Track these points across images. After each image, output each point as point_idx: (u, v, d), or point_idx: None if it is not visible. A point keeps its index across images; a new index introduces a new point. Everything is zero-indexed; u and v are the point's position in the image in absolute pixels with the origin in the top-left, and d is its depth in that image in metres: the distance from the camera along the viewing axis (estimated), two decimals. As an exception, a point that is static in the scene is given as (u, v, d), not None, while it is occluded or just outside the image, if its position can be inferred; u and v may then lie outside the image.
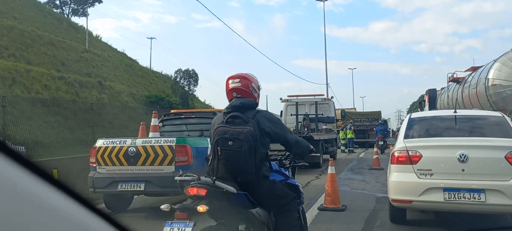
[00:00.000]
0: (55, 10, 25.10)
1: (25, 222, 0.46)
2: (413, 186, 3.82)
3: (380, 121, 22.51)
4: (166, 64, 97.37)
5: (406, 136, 4.24)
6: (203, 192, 2.18)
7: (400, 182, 3.92)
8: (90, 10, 26.89)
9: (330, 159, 5.40)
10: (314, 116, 13.12)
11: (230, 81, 2.56)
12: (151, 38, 34.94)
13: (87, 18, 23.24)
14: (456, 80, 15.63)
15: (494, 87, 10.94)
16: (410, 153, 3.90)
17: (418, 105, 26.43)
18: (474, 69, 13.92)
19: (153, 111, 6.32)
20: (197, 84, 26.71)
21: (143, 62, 33.63)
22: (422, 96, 21.37)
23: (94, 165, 4.76)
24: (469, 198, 3.73)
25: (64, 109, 11.46)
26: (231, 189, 2.23)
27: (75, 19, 25.23)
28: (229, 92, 2.55)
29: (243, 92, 2.50)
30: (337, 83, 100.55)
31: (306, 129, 12.60)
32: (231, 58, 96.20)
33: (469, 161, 3.75)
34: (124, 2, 77.46)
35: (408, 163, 3.89)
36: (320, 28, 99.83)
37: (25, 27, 16.75)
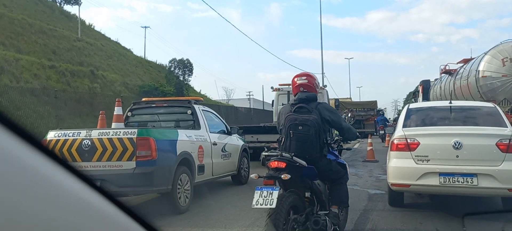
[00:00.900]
0: (47, -1, 24.61)
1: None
2: (411, 171, 4.12)
3: (380, 112, 22.57)
4: (161, 54, 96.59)
5: (405, 125, 4.55)
6: (283, 164, 2.85)
7: (399, 167, 4.21)
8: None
9: None
10: None
11: (297, 79, 3.24)
12: (145, 27, 34.44)
13: (79, 6, 22.75)
14: (449, 72, 15.97)
15: (484, 79, 11.31)
16: (408, 141, 4.18)
17: (412, 96, 26.46)
18: (465, 61, 14.24)
19: (117, 99, 5.76)
20: (192, 74, 26.58)
21: (138, 51, 33.26)
22: (417, 87, 21.37)
23: None
24: (462, 182, 4.01)
25: (54, 99, 11.27)
26: (304, 163, 2.88)
27: (67, 7, 24.75)
28: (296, 87, 3.21)
29: (308, 88, 3.19)
30: (334, 74, 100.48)
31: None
32: (227, 48, 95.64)
33: (463, 148, 4.04)
34: (119, -9, 76.27)
35: (407, 150, 4.17)
36: (317, 18, 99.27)
37: (15, 15, 16.41)
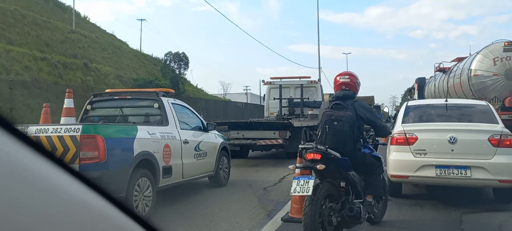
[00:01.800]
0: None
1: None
2: (409, 164, 4.41)
3: (381, 108, 22.30)
4: (159, 47, 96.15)
5: (404, 121, 4.86)
6: (318, 156, 3.06)
7: (398, 160, 4.49)
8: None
9: (298, 154, 4.49)
10: (299, 100, 12.13)
11: (340, 77, 3.49)
12: (141, 20, 34.17)
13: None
14: (443, 70, 16.21)
15: (476, 77, 11.55)
16: (407, 135, 4.46)
17: (408, 93, 26.44)
18: (459, 60, 14.49)
19: (67, 90, 5.13)
20: (188, 67, 26.46)
21: (135, 45, 33.08)
22: (414, 84, 21.41)
23: None
24: (457, 173, 4.36)
25: (45, 92, 11.23)
26: (338, 155, 3.11)
27: (63, -1, 24.56)
28: (339, 85, 3.46)
29: (350, 86, 3.45)
30: (332, 68, 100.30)
31: (285, 114, 11.62)
32: (226, 42, 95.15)
33: (458, 142, 4.37)
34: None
35: (406, 144, 4.47)
36: (316, 14, 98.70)
37: (8, 6, 16.27)
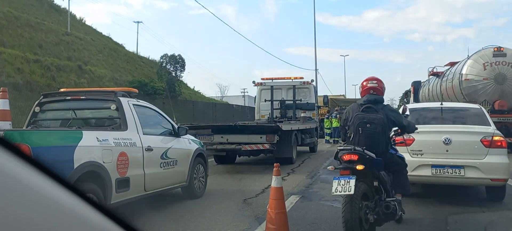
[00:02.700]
0: (37, -9, 24.37)
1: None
2: (407, 163, 4.57)
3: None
4: (156, 50, 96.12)
5: None
6: (355, 157, 3.23)
7: None
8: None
9: (276, 164, 3.82)
10: (292, 101, 11.44)
11: (368, 82, 3.70)
12: (138, 22, 34.25)
13: (69, 1, 22.55)
14: (436, 74, 16.55)
15: (467, 82, 11.89)
16: (404, 137, 4.59)
17: (404, 96, 26.57)
18: (452, 64, 14.82)
19: (1, 89, 4.58)
20: (184, 70, 26.45)
21: (131, 47, 33.12)
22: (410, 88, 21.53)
23: None
24: (451, 172, 4.65)
25: (37, 94, 11.18)
26: (373, 155, 3.29)
27: (59, 1, 24.58)
28: (367, 90, 3.66)
29: (377, 90, 3.66)
30: (330, 71, 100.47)
31: (277, 117, 11.00)
32: (223, 45, 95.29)
33: (452, 143, 4.66)
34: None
35: (403, 145, 4.68)
36: (313, 16, 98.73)
37: (0, 8, 16.27)
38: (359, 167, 3.21)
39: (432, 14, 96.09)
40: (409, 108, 5.51)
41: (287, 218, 3.53)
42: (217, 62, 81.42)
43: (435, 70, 17.38)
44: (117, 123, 4.16)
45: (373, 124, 3.41)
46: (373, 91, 3.66)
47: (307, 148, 11.70)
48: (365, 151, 3.27)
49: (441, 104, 5.35)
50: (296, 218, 4.15)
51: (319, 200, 5.10)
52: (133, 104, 4.37)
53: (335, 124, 17.56)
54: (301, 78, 12.31)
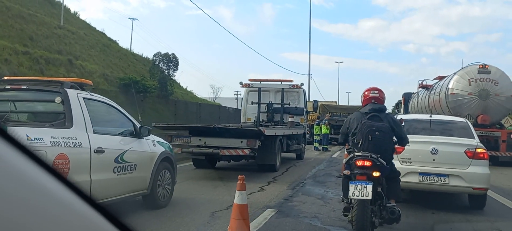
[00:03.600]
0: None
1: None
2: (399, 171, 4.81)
3: None
4: (151, 48, 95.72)
5: None
6: (369, 163, 3.43)
7: None
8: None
9: (240, 176, 3.59)
10: (280, 105, 11.02)
11: (370, 92, 3.95)
12: (133, 19, 34.14)
13: (63, -6, 22.38)
14: (425, 87, 16.99)
15: (453, 96, 12.41)
16: (395, 146, 4.90)
17: (395, 107, 26.91)
18: (440, 78, 15.49)
19: None
20: (177, 69, 26.35)
21: (125, 44, 32.96)
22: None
23: None
24: (437, 180, 5.01)
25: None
26: (384, 163, 3.52)
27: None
28: (369, 99, 3.92)
29: (379, 100, 3.93)
30: (324, 78, 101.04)
31: (263, 121, 10.60)
32: (219, 46, 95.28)
33: (439, 153, 5.03)
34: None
35: (394, 153, 4.93)
36: (310, 22, 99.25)
37: (-8, -2, 16.11)
38: (376, 174, 3.41)
39: (427, 26, 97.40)
40: (400, 119, 5.66)
41: None
42: (212, 64, 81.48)
43: (424, 83, 17.92)
44: (62, 118, 3.64)
45: (381, 131, 3.62)
46: (375, 100, 3.90)
47: (293, 155, 11.29)
48: (379, 159, 3.47)
49: (431, 116, 5.74)
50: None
51: (297, 216, 4.66)
52: (84, 98, 3.82)
53: (324, 130, 17.50)
54: (291, 81, 11.88)
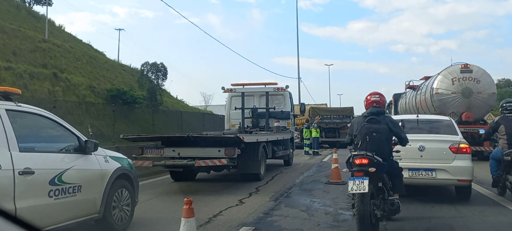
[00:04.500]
0: (15, -3, 23.92)
1: None
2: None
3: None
4: (141, 59, 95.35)
5: None
6: (366, 161, 3.75)
7: None
8: (64, 4, 25.83)
9: (186, 200, 3.14)
10: (265, 110, 10.56)
11: (372, 96, 4.31)
12: (119, 29, 34.09)
13: (47, 7, 22.21)
14: (412, 87, 17.35)
15: (437, 95, 12.81)
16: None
17: (386, 108, 27.23)
18: (426, 78, 15.95)
19: None
20: (166, 78, 26.22)
21: (113, 55, 32.72)
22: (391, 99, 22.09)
23: None
24: (425, 175, 5.48)
25: (6, 103, 10.90)
26: (381, 160, 3.83)
27: (38, 8, 24.16)
28: (370, 103, 4.28)
29: (380, 103, 4.31)
30: (315, 81, 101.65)
31: (248, 126, 10.20)
32: (209, 54, 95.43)
33: (426, 150, 5.48)
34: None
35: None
36: (299, 27, 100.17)
37: (-26, 14, 15.87)
38: (371, 170, 3.71)
39: (415, 25, 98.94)
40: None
41: None
42: (203, 72, 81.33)
43: (411, 83, 18.30)
44: None
45: (378, 133, 3.97)
46: (376, 104, 4.27)
47: (281, 161, 10.89)
48: (375, 156, 3.79)
49: (417, 116, 6.18)
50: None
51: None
52: (7, 110, 3.23)
53: (314, 134, 17.22)
54: (275, 84, 11.48)
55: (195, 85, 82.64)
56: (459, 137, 5.76)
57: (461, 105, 12.24)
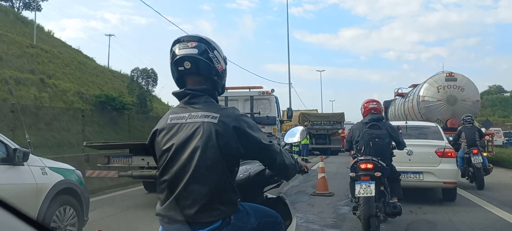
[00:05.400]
0: (4, 3, 23.70)
1: None
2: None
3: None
4: (132, 65, 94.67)
5: None
6: (371, 165, 3.92)
7: None
8: (55, 10, 25.67)
9: None
10: (249, 115, 10.47)
11: (369, 104, 4.52)
12: (109, 35, 33.86)
13: (35, 11, 22.01)
14: (401, 95, 17.70)
15: (424, 102, 13.15)
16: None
17: None
18: (414, 86, 16.18)
19: None
20: (156, 84, 26.09)
21: (103, 61, 32.47)
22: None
23: None
24: (413, 177, 5.78)
25: (-10, 109, 10.74)
26: (384, 165, 4.01)
27: (27, 13, 23.95)
28: (369, 110, 4.49)
29: (377, 110, 4.53)
30: (307, 87, 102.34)
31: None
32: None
33: (414, 154, 5.77)
34: (92, 2, 74.86)
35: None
36: (292, 34, 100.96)
37: (-41, 18, 15.65)
38: (377, 174, 3.89)
39: (406, 33, 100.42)
40: None
41: None
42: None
43: (400, 91, 18.68)
44: None
45: (380, 138, 4.17)
46: (374, 111, 4.50)
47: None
48: (379, 161, 3.98)
49: (406, 123, 6.55)
50: None
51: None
52: None
53: (304, 140, 17.91)
54: (260, 87, 10.95)
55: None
56: (444, 142, 6.12)
57: (446, 112, 12.57)
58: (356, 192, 3.85)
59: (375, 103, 4.58)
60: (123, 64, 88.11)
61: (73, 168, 4.16)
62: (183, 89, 1.56)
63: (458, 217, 5.17)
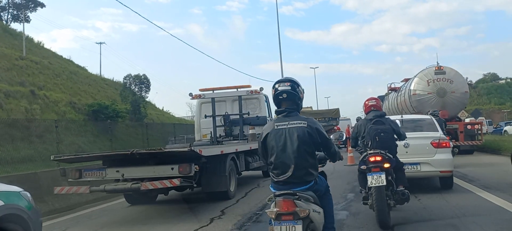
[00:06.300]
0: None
1: None
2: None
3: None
4: (124, 72, 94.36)
5: None
6: (380, 158, 4.24)
7: None
8: (45, 22, 25.52)
9: None
10: (238, 116, 9.47)
11: (369, 101, 4.94)
12: (100, 43, 33.73)
13: (23, 24, 21.88)
14: (394, 89, 17.94)
15: (415, 96, 13.49)
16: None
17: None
18: (406, 80, 16.42)
19: None
20: (149, 90, 25.96)
21: (95, 70, 32.31)
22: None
23: None
24: (410, 168, 5.90)
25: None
26: (392, 157, 4.39)
27: (16, 26, 23.80)
28: (369, 107, 4.88)
29: (377, 107, 4.91)
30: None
31: (220, 136, 9.24)
32: (194, 64, 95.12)
33: (410, 146, 5.94)
34: (82, 12, 74.54)
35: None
36: (283, 32, 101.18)
37: None
38: (386, 165, 4.22)
39: (397, 25, 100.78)
40: None
41: None
42: (188, 81, 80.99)
43: (392, 85, 18.95)
44: None
45: (385, 133, 4.51)
46: (374, 108, 4.86)
47: (260, 172, 9.49)
48: (387, 153, 4.32)
49: (402, 117, 6.72)
50: None
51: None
52: None
53: None
54: (248, 86, 10.06)
55: (181, 95, 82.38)
56: (439, 133, 6.38)
57: (436, 104, 12.83)
58: (369, 183, 4.15)
59: (374, 101, 4.97)
60: (115, 72, 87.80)
61: (19, 190, 3.62)
62: (283, 108, 2.77)
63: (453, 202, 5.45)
